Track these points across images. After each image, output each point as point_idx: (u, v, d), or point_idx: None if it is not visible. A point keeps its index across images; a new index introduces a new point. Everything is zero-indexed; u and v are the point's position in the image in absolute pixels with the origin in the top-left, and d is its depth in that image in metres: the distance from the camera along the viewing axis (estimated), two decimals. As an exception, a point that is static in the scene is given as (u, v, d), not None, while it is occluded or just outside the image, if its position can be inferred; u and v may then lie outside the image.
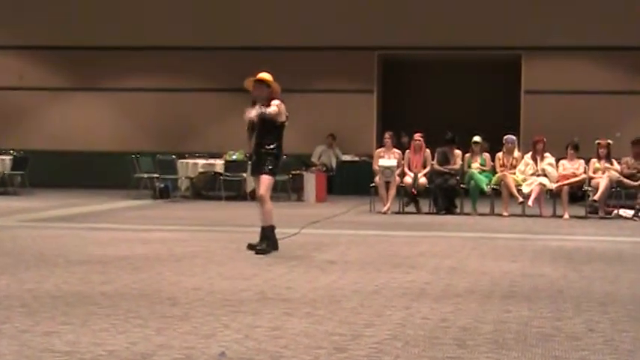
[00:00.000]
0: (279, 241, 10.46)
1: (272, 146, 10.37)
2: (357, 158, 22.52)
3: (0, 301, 6.90)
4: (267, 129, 10.35)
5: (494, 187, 16.58)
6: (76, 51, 24.12)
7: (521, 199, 16.14)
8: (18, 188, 21.32)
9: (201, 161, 20.37)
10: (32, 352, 5.27)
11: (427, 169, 16.98)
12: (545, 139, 16.62)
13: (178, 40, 23.60)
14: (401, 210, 16.96)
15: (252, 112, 10.31)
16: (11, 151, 21.63)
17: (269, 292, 7.50)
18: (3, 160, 20.91)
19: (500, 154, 16.93)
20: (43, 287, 7.60)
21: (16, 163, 20.98)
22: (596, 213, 16.28)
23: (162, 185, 20.13)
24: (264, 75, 10.50)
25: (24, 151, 21.87)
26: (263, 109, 10.26)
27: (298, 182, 20.19)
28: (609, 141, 16.75)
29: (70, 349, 5.33)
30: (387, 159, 16.86)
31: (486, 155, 17.19)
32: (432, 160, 17.09)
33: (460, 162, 17.07)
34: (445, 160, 17.03)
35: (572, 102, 22.41)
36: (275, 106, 10.31)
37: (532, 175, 16.36)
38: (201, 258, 9.71)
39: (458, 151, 17.16)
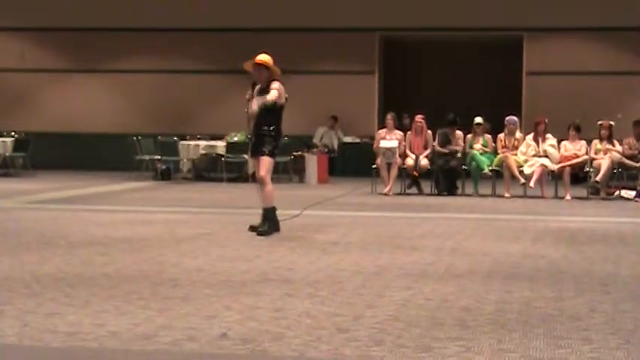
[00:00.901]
0: (280, 223, 10.45)
1: (271, 128, 10.32)
2: (358, 140, 22.51)
3: (2, 283, 6.91)
4: (266, 111, 10.32)
5: (496, 168, 16.57)
6: (76, 32, 24.07)
7: (522, 181, 16.12)
8: (19, 170, 21.33)
9: (202, 143, 20.36)
10: (35, 333, 5.29)
11: (428, 151, 16.98)
12: (546, 120, 16.60)
13: (179, 21, 23.54)
14: (402, 191, 16.96)
15: (254, 105, 10.28)
16: (12, 133, 21.63)
17: (271, 273, 7.51)
18: (4, 141, 20.91)
19: (501, 136, 16.91)
20: (45, 269, 7.61)
21: (18, 145, 20.99)
22: (598, 194, 16.27)
23: (163, 167, 20.13)
24: (263, 57, 10.44)
25: (25, 133, 21.87)
26: (263, 100, 10.22)
27: (300, 163, 20.17)
28: (611, 122, 16.73)
29: (73, 330, 5.34)
30: (388, 140, 16.87)
31: (488, 136, 17.17)
32: (434, 141, 17.10)
33: (462, 143, 17.05)
34: (446, 141, 17.02)
35: (573, 83, 22.36)
36: (274, 89, 10.27)
37: (534, 156, 16.34)
38: (202, 239, 9.72)
39: (459, 133, 17.14)
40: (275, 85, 10.32)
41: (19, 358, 4.91)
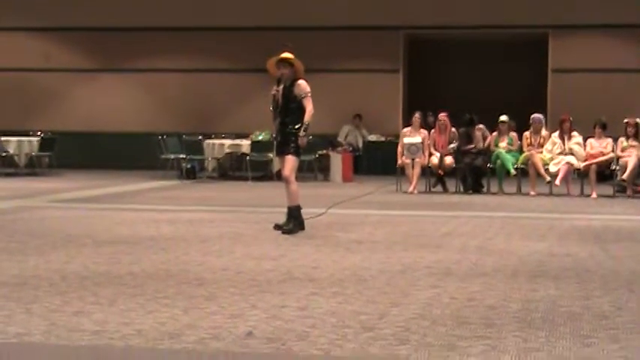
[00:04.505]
0: (305, 221, 10.46)
1: (296, 126, 10.33)
2: (383, 138, 22.48)
3: (28, 281, 6.95)
4: (292, 109, 10.33)
5: (521, 166, 16.52)
6: (102, 32, 24.16)
7: (548, 179, 16.06)
8: (45, 169, 21.44)
9: (227, 142, 20.39)
10: (61, 331, 5.31)
11: (451, 145, 16.91)
12: (571, 118, 16.52)
13: (204, 20, 23.58)
14: (427, 190, 16.93)
15: (302, 141, 10.33)
16: (38, 133, 21.74)
17: (296, 271, 7.51)
18: (30, 141, 21.02)
19: (527, 134, 16.84)
20: (71, 267, 7.64)
21: (44, 145, 21.08)
22: (624, 192, 16.17)
23: (188, 166, 20.18)
24: (287, 54, 10.47)
25: (51, 133, 21.97)
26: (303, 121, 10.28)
27: (325, 162, 20.17)
28: (637, 119, 16.62)
29: (99, 329, 5.36)
30: (411, 137, 16.86)
31: (513, 134, 17.09)
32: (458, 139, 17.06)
33: (481, 143, 17.01)
34: (468, 140, 16.98)
35: (600, 80, 22.23)
36: (306, 97, 10.28)
37: (559, 154, 16.27)
38: (227, 238, 9.73)
39: (478, 133, 17.08)
40: (302, 83, 10.32)
41: (46, 357, 4.94)
